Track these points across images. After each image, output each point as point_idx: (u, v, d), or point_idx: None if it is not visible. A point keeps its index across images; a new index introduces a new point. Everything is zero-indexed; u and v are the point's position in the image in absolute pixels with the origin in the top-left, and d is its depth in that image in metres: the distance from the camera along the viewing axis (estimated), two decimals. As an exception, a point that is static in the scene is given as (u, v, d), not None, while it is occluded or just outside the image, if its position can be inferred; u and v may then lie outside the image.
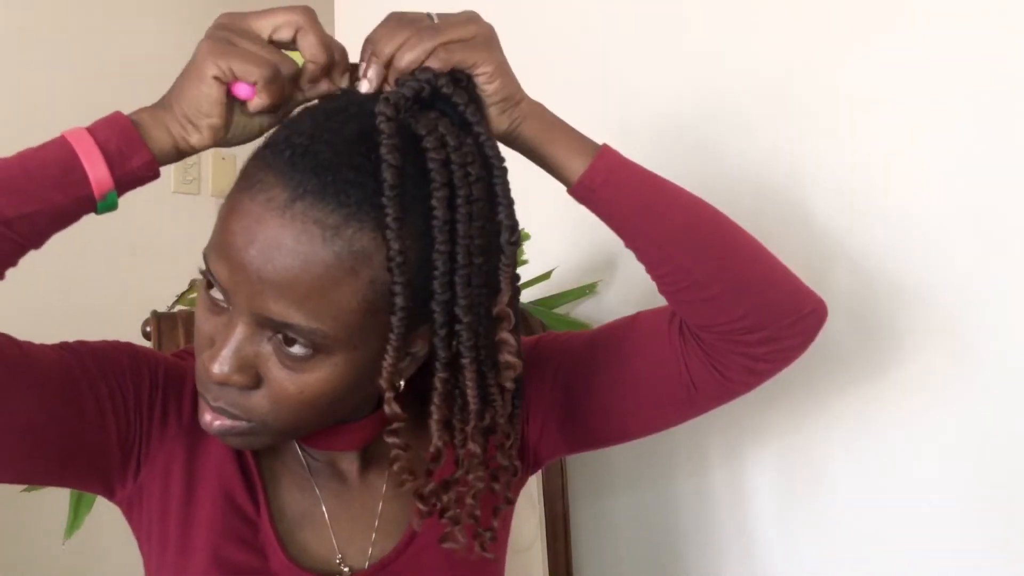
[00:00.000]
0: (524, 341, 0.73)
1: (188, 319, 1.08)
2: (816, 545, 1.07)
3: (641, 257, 0.70)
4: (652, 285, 0.72)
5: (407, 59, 0.60)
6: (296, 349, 0.58)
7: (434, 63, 0.61)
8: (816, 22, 1.04)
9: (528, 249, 1.25)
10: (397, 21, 0.62)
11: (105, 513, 0.85)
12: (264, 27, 0.60)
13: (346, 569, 0.72)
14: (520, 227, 0.63)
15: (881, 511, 1.00)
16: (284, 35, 0.60)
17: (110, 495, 0.70)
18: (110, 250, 1.59)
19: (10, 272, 0.60)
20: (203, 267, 0.60)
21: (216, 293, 0.60)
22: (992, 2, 0.90)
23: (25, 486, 1.07)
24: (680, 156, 1.16)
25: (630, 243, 0.69)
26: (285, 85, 0.61)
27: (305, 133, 0.57)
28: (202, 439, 0.70)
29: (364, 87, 0.62)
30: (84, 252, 1.51)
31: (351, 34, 0.66)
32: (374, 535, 0.73)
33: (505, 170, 0.62)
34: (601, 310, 1.29)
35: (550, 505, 1.23)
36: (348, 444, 0.72)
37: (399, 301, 0.57)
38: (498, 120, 0.65)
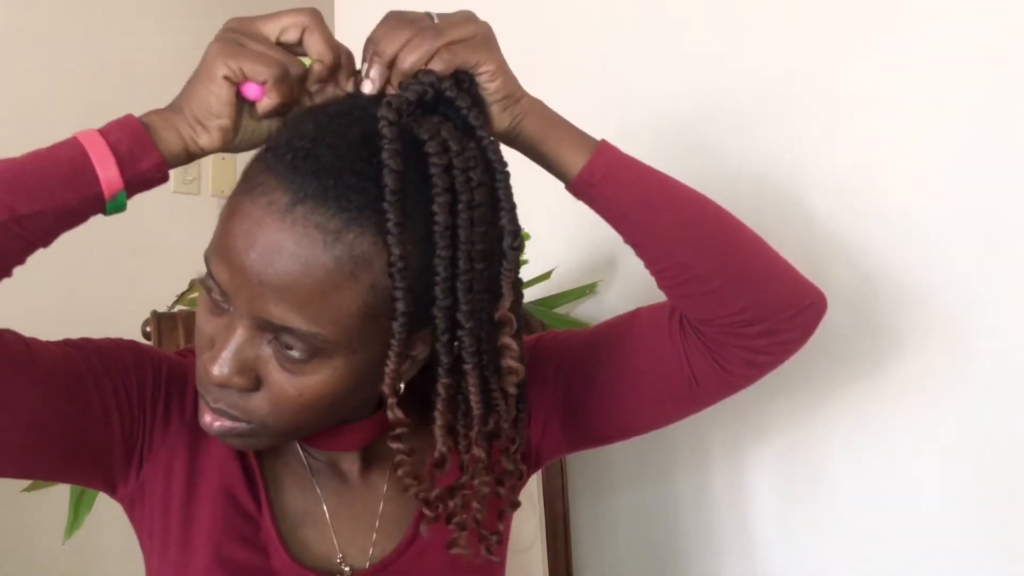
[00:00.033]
0: (524, 341, 0.73)
1: (188, 319, 1.08)
2: (816, 545, 1.07)
3: (640, 252, 0.70)
4: (652, 285, 0.72)
5: (410, 61, 0.60)
6: (296, 352, 0.58)
7: (437, 65, 0.61)
8: (816, 22, 1.04)
9: (528, 249, 1.25)
10: (397, 20, 0.62)
11: (105, 513, 0.86)
12: (272, 29, 0.61)
13: (347, 568, 0.72)
14: (521, 228, 0.64)
15: (881, 511, 1.01)
16: (291, 36, 0.61)
17: (112, 492, 0.70)
18: (111, 250, 1.59)
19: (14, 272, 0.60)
20: (204, 268, 0.60)
21: (217, 295, 0.60)
22: (992, 2, 0.90)
23: (25, 486, 1.08)
24: (680, 156, 1.16)
25: (629, 238, 0.70)
26: (294, 86, 0.61)
27: (307, 136, 0.57)
28: (204, 437, 0.70)
29: (367, 88, 0.62)
30: (85, 252, 1.51)
31: (351, 34, 0.66)
32: (375, 535, 0.73)
33: (507, 174, 0.62)
34: (601, 310, 1.29)
35: (550, 505, 1.23)
36: (349, 444, 0.72)
37: (400, 306, 0.57)
38: (499, 118, 0.65)
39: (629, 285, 1.26)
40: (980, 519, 0.93)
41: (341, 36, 0.64)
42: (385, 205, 0.56)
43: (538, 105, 0.68)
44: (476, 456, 0.66)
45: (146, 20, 1.64)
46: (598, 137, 0.70)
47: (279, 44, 0.61)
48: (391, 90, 0.62)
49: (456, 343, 0.62)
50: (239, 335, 0.59)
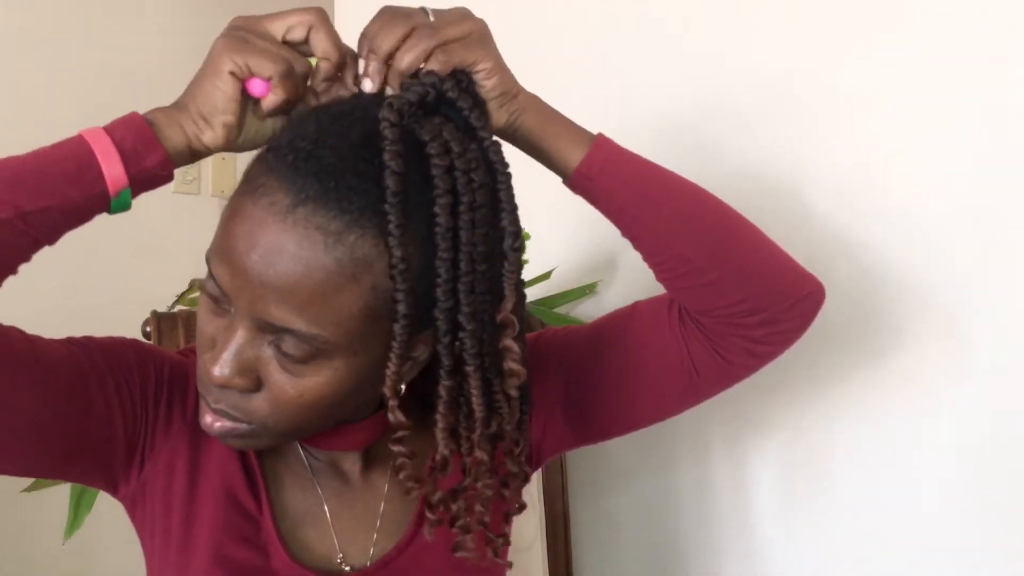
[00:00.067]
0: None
1: (188, 319, 1.08)
2: (816, 544, 1.07)
3: (639, 245, 0.70)
4: (652, 285, 0.72)
5: (407, 61, 0.60)
6: (296, 353, 0.58)
7: (434, 64, 0.61)
8: (816, 22, 1.04)
9: (528, 249, 1.24)
10: (392, 15, 0.62)
11: (105, 513, 0.86)
12: (278, 28, 0.61)
13: (347, 568, 0.72)
14: (522, 229, 0.64)
15: (881, 510, 1.01)
16: (297, 34, 0.61)
17: (113, 490, 0.70)
18: (110, 250, 1.59)
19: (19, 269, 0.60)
20: (205, 269, 0.60)
21: (218, 296, 0.60)
22: (992, 2, 0.90)
23: (25, 486, 1.08)
24: (680, 156, 1.16)
25: (627, 231, 0.70)
26: (299, 83, 0.61)
27: (309, 137, 0.57)
28: (205, 436, 0.70)
29: (367, 86, 0.62)
30: (85, 252, 1.51)
31: (352, 33, 0.65)
32: (376, 535, 0.73)
33: (509, 175, 0.62)
34: (601, 310, 1.29)
35: (550, 504, 1.23)
36: (350, 444, 0.72)
37: (401, 308, 0.57)
38: (497, 115, 0.65)
39: (629, 285, 1.26)
40: (980, 519, 0.93)
41: (342, 34, 0.64)
42: (386, 207, 0.56)
43: (535, 101, 0.68)
44: (478, 459, 0.66)
45: (146, 20, 1.64)
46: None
47: (285, 43, 0.61)
48: (390, 90, 0.62)
49: (457, 345, 0.62)
50: (240, 336, 0.59)
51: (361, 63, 0.62)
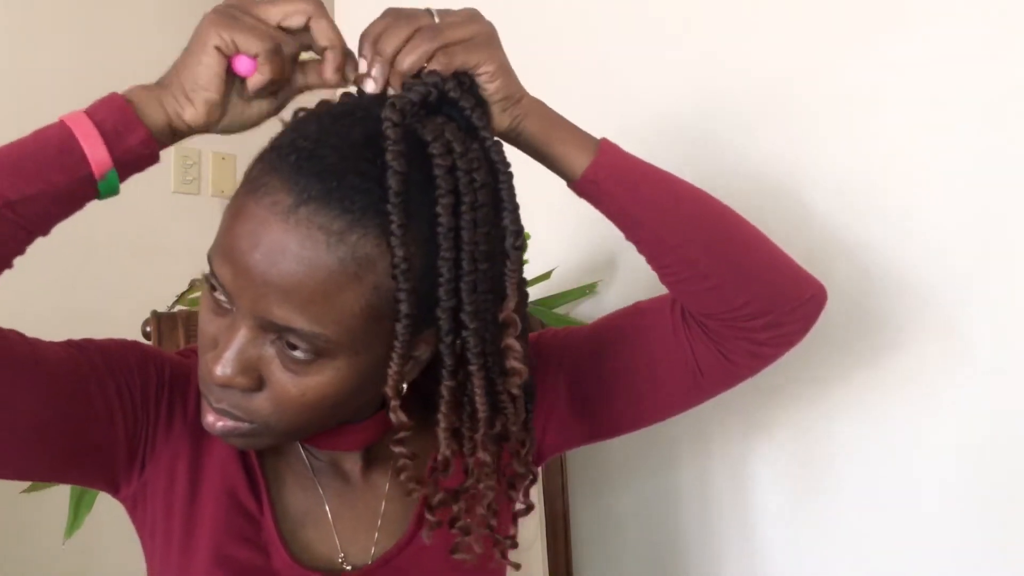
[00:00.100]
0: None
1: (188, 319, 1.08)
2: (816, 544, 1.07)
3: (643, 249, 0.70)
4: (653, 285, 0.72)
5: (408, 62, 0.60)
6: (299, 353, 0.58)
7: (435, 66, 0.60)
8: (816, 22, 1.04)
9: (528, 249, 1.24)
10: (396, 17, 0.61)
11: (105, 513, 0.86)
12: (274, 14, 0.60)
13: (348, 567, 0.72)
14: (523, 228, 0.64)
15: (881, 510, 1.01)
16: (295, 21, 0.60)
17: (115, 492, 0.70)
18: (110, 250, 1.59)
19: (9, 272, 0.60)
20: (207, 269, 0.60)
21: (219, 295, 0.60)
22: (992, 2, 0.91)
23: (25, 487, 1.08)
24: (680, 156, 1.16)
25: (632, 235, 0.70)
26: (286, 64, 0.60)
27: (311, 137, 0.57)
28: (207, 437, 0.70)
29: (370, 87, 0.61)
30: (84, 252, 1.51)
31: (351, 32, 0.65)
32: (376, 534, 0.73)
33: (511, 175, 0.62)
34: (601, 310, 1.29)
35: (550, 504, 1.23)
36: (351, 444, 0.72)
37: (403, 308, 0.57)
38: (500, 119, 0.65)
39: (629, 285, 1.26)
40: (980, 519, 0.93)
41: (343, 33, 0.63)
42: (389, 206, 0.56)
43: (539, 105, 0.68)
44: (481, 460, 0.66)
45: (146, 20, 1.64)
46: (598, 137, 0.70)
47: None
48: (391, 90, 0.62)
49: (460, 344, 0.62)
50: (242, 335, 0.59)
51: (362, 62, 0.62)
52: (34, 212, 0.58)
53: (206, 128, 0.62)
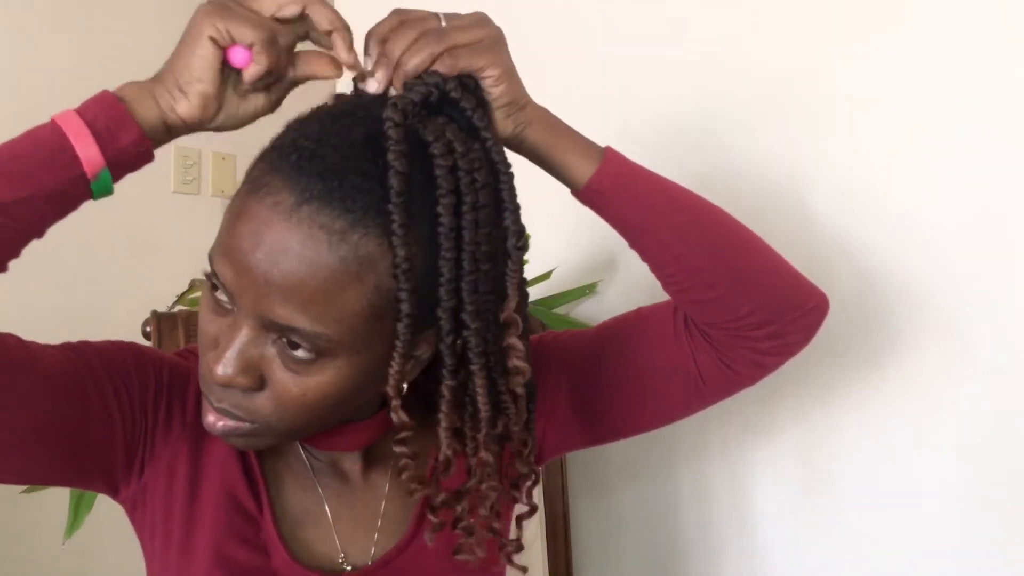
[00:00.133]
0: None
1: (188, 319, 1.08)
2: (816, 544, 1.07)
3: (647, 258, 0.70)
4: (653, 285, 0.72)
5: (412, 64, 0.60)
6: (300, 352, 0.58)
7: (440, 68, 0.60)
8: (816, 22, 1.04)
9: (529, 249, 1.25)
10: (403, 19, 0.62)
11: (105, 513, 0.86)
12: (267, 5, 0.59)
13: (348, 568, 0.72)
14: (524, 228, 0.64)
15: (881, 510, 1.01)
16: (290, 11, 0.59)
17: (114, 494, 0.70)
18: (110, 250, 1.58)
19: (9, 272, 0.60)
20: (207, 268, 0.60)
21: (221, 295, 0.60)
22: (992, 2, 0.91)
23: (25, 486, 1.08)
24: (680, 156, 1.16)
25: (636, 244, 0.70)
26: (282, 54, 0.60)
27: (312, 136, 0.57)
28: (206, 439, 0.70)
29: (372, 87, 0.61)
30: (84, 252, 1.51)
31: (353, 30, 0.65)
32: (376, 534, 0.73)
33: (511, 175, 0.62)
34: (601, 310, 1.29)
35: (550, 504, 1.23)
36: (351, 444, 0.72)
37: (405, 308, 0.57)
38: (503, 124, 0.65)
39: (629, 285, 1.26)
40: (980, 519, 0.94)
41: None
42: (390, 206, 0.56)
43: (543, 113, 0.68)
44: (483, 460, 0.66)
45: (146, 20, 1.64)
46: (599, 138, 0.70)
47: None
48: (392, 91, 0.62)
49: (461, 344, 0.62)
50: (243, 335, 0.59)
51: (367, 61, 0.62)
52: (27, 214, 0.57)
53: (201, 124, 0.61)
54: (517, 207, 0.62)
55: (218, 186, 1.75)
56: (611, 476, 1.31)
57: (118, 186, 0.60)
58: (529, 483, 0.70)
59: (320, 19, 0.60)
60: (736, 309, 0.69)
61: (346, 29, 0.61)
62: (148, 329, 1.07)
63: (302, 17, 0.60)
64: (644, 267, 0.72)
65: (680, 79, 1.18)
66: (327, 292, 0.56)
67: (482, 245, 0.59)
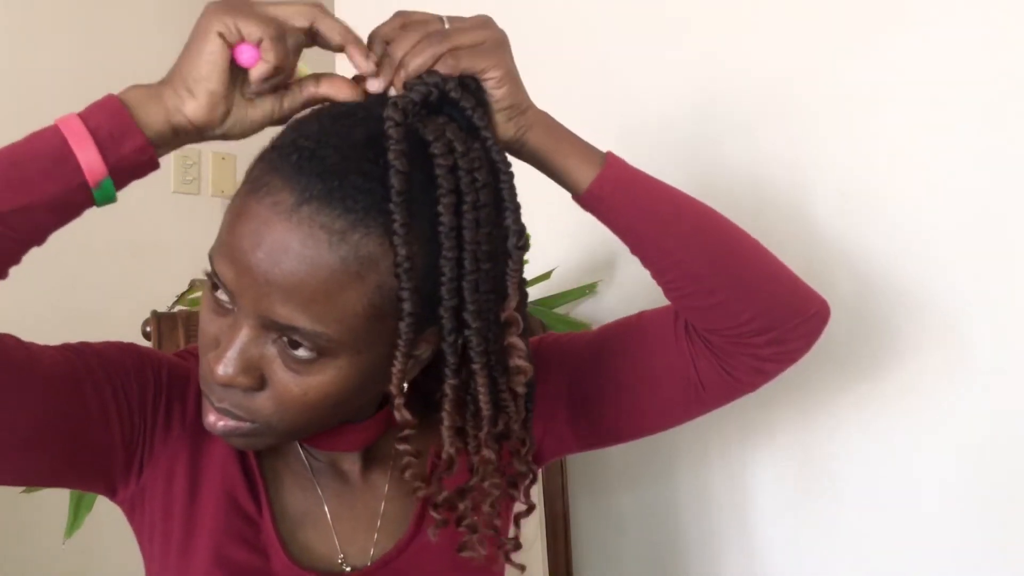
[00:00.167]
0: None
1: (188, 319, 1.08)
2: (816, 545, 1.07)
3: (648, 264, 0.70)
4: (653, 285, 0.72)
5: (414, 64, 0.60)
6: (301, 352, 0.58)
7: (442, 69, 0.60)
8: (816, 22, 1.04)
9: (529, 249, 1.25)
10: (406, 21, 0.62)
11: (105, 513, 0.85)
12: (277, 12, 0.59)
13: (348, 568, 0.72)
14: (525, 228, 0.64)
15: (881, 510, 1.01)
16: (298, 23, 0.59)
17: (112, 495, 0.70)
18: (110, 250, 1.59)
19: (9, 272, 0.59)
20: (207, 268, 0.60)
21: (221, 295, 0.60)
22: (992, 2, 0.91)
23: (25, 487, 1.08)
24: (680, 156, 1.16)
25: (636, 250, 0.70)
26: (289, 53, 0.59)
27: (312, 136, 0.57)
28: (205, 440, 0.70)
29: (374, 87, 0.61)
30: (84, 252, 1.51)
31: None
32: (376, 535, 0.73)
33: (512, 175, 0.62)
34: (601, 310, 1.29)
35: (550, 504, 1.23)
36: (351, 445, 0.72)
37: (407, 307, 0.57)
38: (504, 127, 0.65)
39: (629, 285, 1.26)
40: (980, 519, 0.93)
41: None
42: (391, 206, 0.56)
43: (544, 117, 0.68)
44: (486, 457, 0.66)
45: (146, 20, 1.64)
46: (599, 138, 0.70)
47: None
48: (392, 91, 0.62)
49: (462, 343, 0.62)
50: (244, 334, 0.59)
51: (370, 61, 0.62)
52: (27, 223, 0.56)
53: (209, 125, 0.60)
54: (517, 206, 0.62)
55: (218, 186, 1.75)
56: (611, 476, 1.31)
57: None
58: (527, 482, 0.70)
59: (329, 32, 0.60)
60: (737, 315, 0.69)
61: (358, 41, 0.61)
62: (148, 329, 1.07)
63: (311, 31, 0.60)
64: (644, 268, 0.72)
65: (680, 79, 1.18)
66: (328, 292, 0.56)
67: (483, 244, 0.59)
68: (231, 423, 0.62)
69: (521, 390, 0.66)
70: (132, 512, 0.71)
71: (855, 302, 1.00)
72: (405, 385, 0.66)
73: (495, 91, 0.63)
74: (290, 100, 0.63)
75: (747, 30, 1.11)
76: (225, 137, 0.62)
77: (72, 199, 0.57)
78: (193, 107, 0.59)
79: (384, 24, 0.62)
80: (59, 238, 0.61)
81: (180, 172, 1.70)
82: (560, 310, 1.29)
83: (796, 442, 1.09)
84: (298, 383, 0.59)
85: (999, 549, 0.92)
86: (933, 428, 0.96)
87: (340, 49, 0.61)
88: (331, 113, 0.60)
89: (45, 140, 0.57)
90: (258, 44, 0.58)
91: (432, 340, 0.63)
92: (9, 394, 0.58)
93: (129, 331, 0.97)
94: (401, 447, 0.64)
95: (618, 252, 1.27)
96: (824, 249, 1.03)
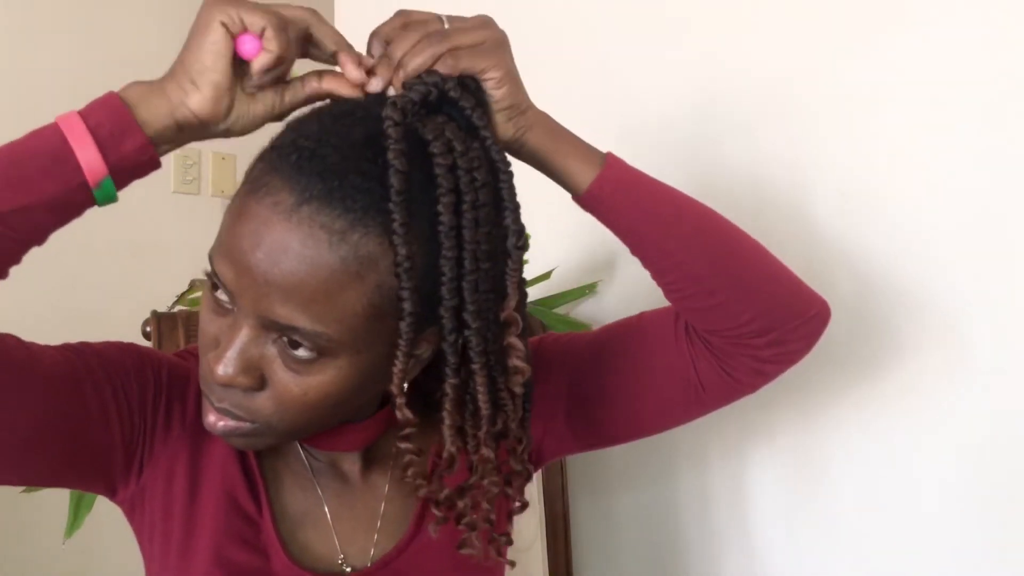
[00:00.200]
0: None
1: (188, 319, 1.08)
2: (816, 544, 1.07)
3: (648, 265, 0.70)
4: (653, 285, 0.72)
5: (414, 64, 0.60)
6: (301, 352, 0.58)
7: (441, 68, 0.60)
8: (816, 22, 1.04)
9: (528, 249, 1.25)
10: (407, 21, 0.62)
11: (105, 513, 0.85)
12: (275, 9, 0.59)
13: (348, 569, 0.72)
14: (524, 227, 0.64)
15: (881, 510, 1.01)
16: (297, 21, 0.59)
17: (112, 495, 0.70)
18: (110, 250, 1.59)
19: (9, 272, 0.59)
20: (207, 268, 0.60)
21: (221, 295, 0.60)
22: (992, 2, 0.91)
23: (25, 487, 1.08)
24: (680, 156, 1.16)
25: (637, 251, 0.70)
26: (292, 44, 0.59)
27: (312, 136, 0.57)
28: (205, 440, 0.70)
29: (373, 85, 0.61)
30: (84, 252, 1.51)
31: (352, 33, 0.66)
32: (376, 535, 0.73)
33: (511, 174, 0.62)
34: (601, 310, 1.29)
35: (550, 505, 1.23)
36: (351, 445, 0.72)
37: (407, 307, 0.57)
38: (503, 127, 0.65)
39: (629, 285, 1.26)
40: (980, 519, 0.93)
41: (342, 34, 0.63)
42: (391, 205, 0.56)
43: (544, 118, 0.68)
44: (485, 456, 0.66)
45: (146, 20, 1.64)
46: (598, 138, 0.70)
47: None
48: (391, 90, 0.62)
49: (462, 343, 0.62)
50: (244, 334, 0.59)
51: (369, 61, 0.62)
52: (27, 223, 0.56)
53: (213, 119, 0.59)
54: (517, 206, 0.62)
55: (218, 186, 1.75)
56: (611, 476, 1.31)
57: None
58: (522, 480, 0.70)
59: (325, 38, 0.60)
60: (737, 316, 0.69)
61: (350, 49, 0.61)
62: (148, 329, 1.07)
63: (306, 37, 0.60)
64: (644, 269, 0.72)
65: (680, 79, 1.18)
66: (328, 292, 0.56)
67: (482, 244, 0.59)
68: (231, 423, 0.62)
69: (519, 390, 0.66)
70: (132, 512, 0.71)
71: (855, 302, 1.00)
72: (406, 385, 0.66)
73: (495, 91, 0.63)
74: (291, 95, 0.63)
75: (747, 30, 1.11)
76: (227, 133, 0.62)
77: (72, 199, 0.57)
78: (198, 100, 0.58)
79: (385, 24, 0.62)
80: (59, 238, 0.61)
81: (180, 172, 1.70)
82: (560, 310, 1.29)
83: (796, 442, 1.09)
84: (298, 383, 0.59)
85: (999, 549, 0.92)
86: (933, 428, 0.96)
87: (332, 56, 0.61)
88: (330, 113, 0.60)
89: (45, 139, 0.56)
90: (261, 34, 0.58)
91: (432, 340, 0.63)
92: (10, 394, 0.58)
93: (129, 331, 0.97)
94: (403, 445, 0.64)
95: (618, 252, 1.27)
96: (824, 249, 1.03)
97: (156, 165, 0.60)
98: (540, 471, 1.17)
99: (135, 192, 0.62)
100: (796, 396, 1.07)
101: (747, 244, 0.71)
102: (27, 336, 0.62)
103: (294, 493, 0.72)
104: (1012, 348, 0.90)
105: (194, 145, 1.63)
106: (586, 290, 1.29)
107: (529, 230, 0.65)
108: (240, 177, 0.60)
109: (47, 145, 0.56)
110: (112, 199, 0.58)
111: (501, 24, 0.64)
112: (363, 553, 0.73)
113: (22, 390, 0.59)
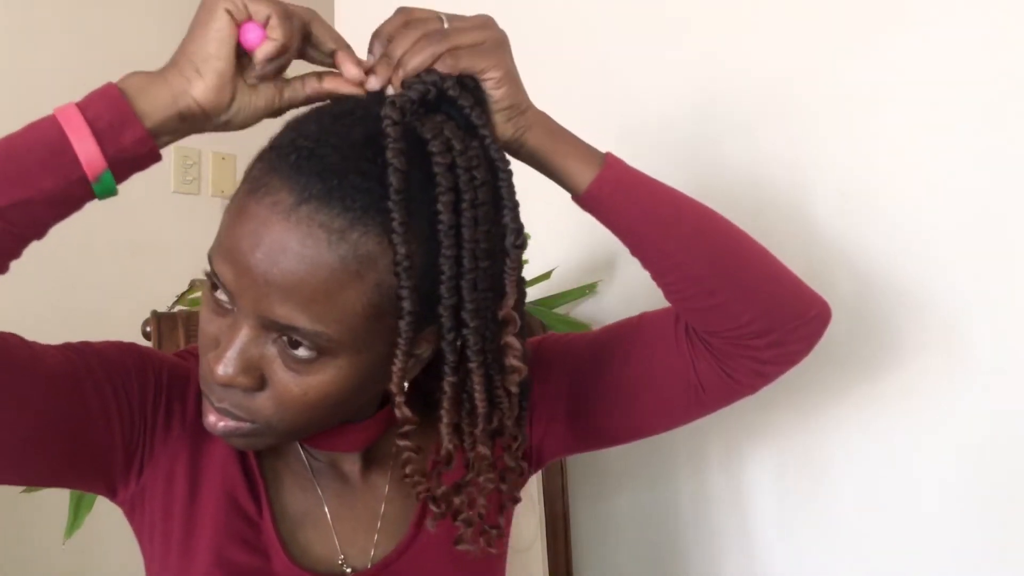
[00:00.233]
0: (527, 342, 0.73)
1: (188, 319, 1.08)
2: (816, 544, 1.07)
3: (648, 265, 0.70)
4: (653, 285, 0.72)
5: (413, 63, 0.60)
6: (301, 352, 0.58)
7: (441, 68, 0.60)
8: (816, 22, 1.04)
9: (528, 249, 1.24)
10: (407, 19, 0.62)
11: (105, 513, 0.85)
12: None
13: (348, 570, 0.72)
14: (523, 226, 0.64)
15: (881, 511, 1.01)
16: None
17: (112, 495, 0.70)
18: (110, 250, 1.58)
19: (9, 272, 0.59)
20: (207, 268, 0.60)
21: (221, 295, 0.60)
22: (992, 2, 0.91)
23: (25, 486, 1.08)
24: (680, 156, 1.16)
25: (636, 251, 0.70)
26: (295, 33, 0.59)
27: (311, 136, 0.57)
28: (205, 440, 0.70)
29: (372, 84, 0.61)
30: (84, 252, 1.51)
31: (352, 34, 0.66)
32: (376, 535, 0.73)
33: (510, 173, 0.62)
34: (601, 310, 1.29)
35: (550, 505, 1.23)
36: (351, 445, 0.72)
37: (406, 305, 0.57)
38: (503, 128, 0.65)
39: (629, 285, 1.26)
40: (980, 519, 0.93)
41: (342, 34, 0.63)
42: (390, 204, 0.56)
43: (544, 118, 0.68)
44: (481, 453, 0.66)
45: (146, 20, 1.64)
46: (598, 138, 0.70)
47: None
48: (390, 89, 0.62)
49: (460, 342, 0.62)
50: (244, 335, 0.59)
51: (369, 59, 0.62)
52: (26, 217, 0.56)
53: (217, 108, 0.59)
54: (516, 205, 0.62)
55: (218, 186, 1.75)
56: (611, 476, 1.31)
57: (118, 186, 0.59)
58: (516, 477, 0.70)
59: (324, 37, 0.61)
60: (737, 317, 0.69)
61: (349, 48, 0.61)
62: (148, 329, 1.07)
63: (305, 36, 0.60)
64: (644, 269, 0.72)
65: (680, 79, 1.18)
66: (327, 291, 0.56)
67: (481, 243, 0.59)
68: (231, 423, 0.62)
69: (515, 389, 0.66)
70: (132, 512, 0.71)
71: (855, 302, 1.00)
72: (405, 384, 0.66)
73: (494, 91, 0.63)
74: (291, 92, 0.63)
75: (747, 30, 1.11)
76: (227, 125, 0.61)
77: (71, 193, 0.56)
78: (201, 88, 0.58)
79: (386, 22, 0.62)
80: (59, 238, 0.60)
81: (180, 172, 1.70)
82: (560, 310, 1.29)
83: (796, 443, 1.09)
84: (298, 383, 0.59)
85: (999, 549, 0.92)
86: (933, 428, 0.96)
87: (331, 56, 0.61)
88: (329, 112, 0.60)
89: (43, 131, 0.56)
90: (265, 22, 0.57)
91: (432, 339, 0.63)
92: (11, 393, 0.58)
93: (129, 331, 0.97)
94: (402, 443, 0.64)
95: (618, 252, 1.26)
96: (824, 249, 1.03)
97: (156, 158, 0.59)
98: (540, 471, 1.17)
99: (135, 192, 0.62)
100: (796, 396, 1.07)
101: (747, 244, 0.71)
102: (27, 336, 0.62)
103: (294, 493, 0.72)
104: (1012, 348, 0.90)
105: (194, 145, 1.63)
106: (586, 290, 1.29)
107: (529, 230, 0.65)
108: (240, 177, 0.60)
109: (45, 138, 0.55)
110: (112, 192, 0.58)
111: (501, 24, 0.64)
112: (363, 554, 0.73)
113: (23, 389, 0.59)
